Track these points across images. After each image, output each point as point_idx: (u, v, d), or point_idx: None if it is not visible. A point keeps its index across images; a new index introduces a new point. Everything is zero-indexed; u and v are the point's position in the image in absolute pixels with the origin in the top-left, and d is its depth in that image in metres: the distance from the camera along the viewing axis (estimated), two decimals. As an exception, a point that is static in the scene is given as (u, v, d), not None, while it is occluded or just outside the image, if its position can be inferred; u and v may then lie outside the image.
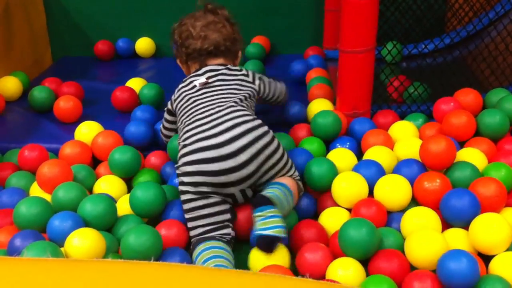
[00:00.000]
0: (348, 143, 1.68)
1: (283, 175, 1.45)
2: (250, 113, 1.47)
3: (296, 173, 1.49)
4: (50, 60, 2.62)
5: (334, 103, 1.85)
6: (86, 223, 1.34)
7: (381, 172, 1.48)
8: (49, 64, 2.60)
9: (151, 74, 2.40)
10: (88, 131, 1.76)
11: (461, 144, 1.62)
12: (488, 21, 2.24)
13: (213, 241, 1.33)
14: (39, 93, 2.01)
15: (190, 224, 1.39)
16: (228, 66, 1.64)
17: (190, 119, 1.47)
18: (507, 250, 1.25)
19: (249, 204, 1.42)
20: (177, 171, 1.41)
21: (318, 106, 1.83)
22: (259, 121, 1.43)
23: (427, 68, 2.06)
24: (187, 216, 1.39)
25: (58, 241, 1.29)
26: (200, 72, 1.62)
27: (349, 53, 1.70)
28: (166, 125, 1.71)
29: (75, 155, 1.65)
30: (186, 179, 1.38)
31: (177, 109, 1.58)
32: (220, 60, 1.67)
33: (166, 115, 1.69)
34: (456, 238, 1.29)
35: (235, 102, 1.49)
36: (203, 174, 1.36)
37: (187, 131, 1.44)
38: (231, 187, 1.38)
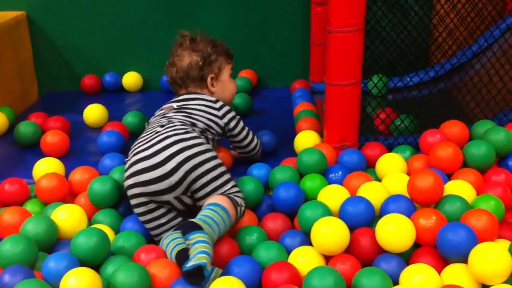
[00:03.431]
0: (340, 172, 1.68)
1: (218, 186, 1.48)
2: (187, 128, 1.54)
3: (234, 189, 1.51)
4: (36, 94, 2.61)
5: (321, 135, 1.86)
6: (79, 258, 1.32)
7: (370, 209, 1.46)
8: (35, 98, 2.59)
9: (138, 108, 2.39)
10: (45, 168, 1.72)
11: (449, 176, 1.62)
12: (471, 54, 2.28)
13: (175, 233, 1.43)
14: (25, 128, 2.00)
15: (150, 231, 1.50)
16: (200, 95, 1.71)
17: (138, 138, 1.58)
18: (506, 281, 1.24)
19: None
20: (124, 186, 1.51)
21: (305, 138, 1.83)
22: (193, 134, 1.52)
23: (413, 100, 2.08)
24: (144, 225, 1.50)
25: (54, 282, 1.26)
26: (173, 99, 1.73)
27: (336, 86, 1.71)
28: None
29: (52, 188, 1.61)
30: (129, 192, 1.49)
31: None
32: (184, 90, 1.76)
33: None
34: (455, 275, 1.26)
35: (180, 121, 1.58)
36: (138, 186, 1.46)
37: (131, 148, 1.55)
38: (164, 195, 1.46)
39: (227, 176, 1.52)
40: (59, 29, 2.55)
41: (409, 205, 1.45)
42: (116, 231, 1.53)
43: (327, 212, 1.48)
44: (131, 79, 2.59)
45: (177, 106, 1.68)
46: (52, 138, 1.90)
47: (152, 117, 1.71)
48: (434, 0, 2.35)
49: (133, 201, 1.49)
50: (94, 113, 2.17)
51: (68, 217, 1.48)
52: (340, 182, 1.66)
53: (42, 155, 1.90)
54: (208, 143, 1.62)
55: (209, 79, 1.75)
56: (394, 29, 2.18)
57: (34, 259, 1.34)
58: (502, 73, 1.93)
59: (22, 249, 1.31)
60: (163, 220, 1.48)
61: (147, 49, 2.56)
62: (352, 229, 1.41)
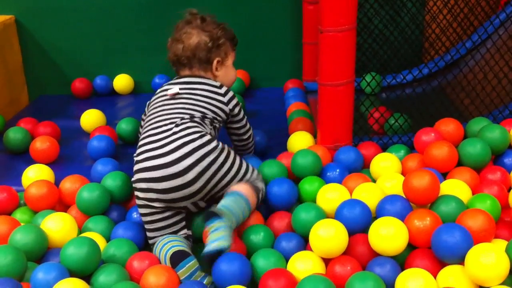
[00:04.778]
0: (337, 170, 1.66)
1: (240, 180, 1.51)
2: (201, 130, 1.51)
3: (254, 174, 1.55)
4: (26, 99, 2.58)
5: (315, 135, 1.83)
6: (69, 268, 1.29)
7: (366, 211, 1.43)
8: (25, 103, 2.56)
9: (130, 111, 2.37)
10: (34, 175, 1.70)
11: (444, 175, 1.60)
12: (465, 51, 2.25)
13: (171, 236, 1.45)
14: (14, 134, 1.97)
15: (148, 233, 1.50)
16: (205, 80, 1.66)
17: (146, 131, 1.54)
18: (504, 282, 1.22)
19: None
20: (133, 185, 1.50)
21: (299, 139, 1.81)
22: (207, 138, 1.49)
23: (407, 98, 2.06)
24: (145, 225, 1.50)
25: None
26: (175, 81, 1.67)
27: (328, 86, 1.69)
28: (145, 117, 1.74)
29: (41, 196, 1.58)
30: (140, 194, 1.47)
31: (148, 112, 1.65)
32: (187, 71, 1.69)
33: (145, 110, 1.74)
34: (452, 277, 1.24)
35: (191, 116, 1.54)
36: (154, 192, 1.45)
37: (141, 145, 1.51)
38: (182, 202, 1.47)
39: (244, 166, 1.54)
40: (49, 32, 2.52)
41: (406, 205, 1.43)
42: (108, 238, 1.51)
43: (321, 214, 1.46)
44: (122, 82, 2.56)
45: (181, 89, 1.62)
46: (42, 144, 1.88)
47: (154, 99, 1.65)
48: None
49: (140, 202, 1.48)
50: (92, 118, 2.12)
51: (58, 225, 1.45)
52: (338, 180, 1.64)
53: (32, 161, 1.88)
54: (216, 135, 1.61)
55: (215, 62, 1.68)
56: (386, 26, 2.16)
57: (23, 270, 1.31)
58: (496, 69, 1.90)
59: (10, 260, 1.29)
60: (164, 224, 1.48)
61: (138, 51, 2.54)
62: (349, 232, 1.38)
